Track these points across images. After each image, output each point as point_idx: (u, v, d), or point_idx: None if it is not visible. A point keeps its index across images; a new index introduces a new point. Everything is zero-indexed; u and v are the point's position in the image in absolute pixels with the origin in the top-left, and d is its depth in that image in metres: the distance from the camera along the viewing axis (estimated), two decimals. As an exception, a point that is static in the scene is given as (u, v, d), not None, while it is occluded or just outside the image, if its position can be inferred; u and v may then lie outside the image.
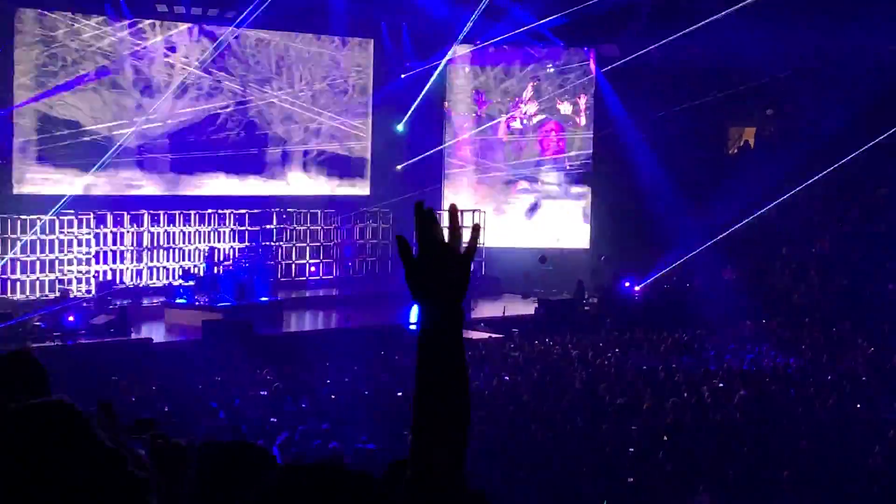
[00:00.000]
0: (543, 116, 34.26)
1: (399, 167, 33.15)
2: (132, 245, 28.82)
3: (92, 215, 27.77)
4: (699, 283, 30.39)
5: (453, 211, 2.30)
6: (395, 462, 3.26)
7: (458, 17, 31.60)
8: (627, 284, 29.93)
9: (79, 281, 27.58)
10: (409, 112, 32.60)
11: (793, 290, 29.47)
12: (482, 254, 31.31)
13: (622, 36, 33.04)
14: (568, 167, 34.29)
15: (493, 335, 24.81)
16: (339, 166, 32.41)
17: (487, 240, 31.71)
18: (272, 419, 15.41)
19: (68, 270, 27.37)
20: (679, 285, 30.69)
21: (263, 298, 27.54)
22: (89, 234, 27.77)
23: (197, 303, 26.47)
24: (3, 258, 26.53)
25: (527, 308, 28.33)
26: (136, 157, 28.84)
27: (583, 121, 34.13)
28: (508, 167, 34.25)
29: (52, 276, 27.00)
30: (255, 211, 30.78)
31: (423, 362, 2.21)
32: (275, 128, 31.17)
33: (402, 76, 33.03)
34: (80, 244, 27.64)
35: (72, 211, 27.36)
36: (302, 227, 31.74)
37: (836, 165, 31.09)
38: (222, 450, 3.63)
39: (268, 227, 31.03)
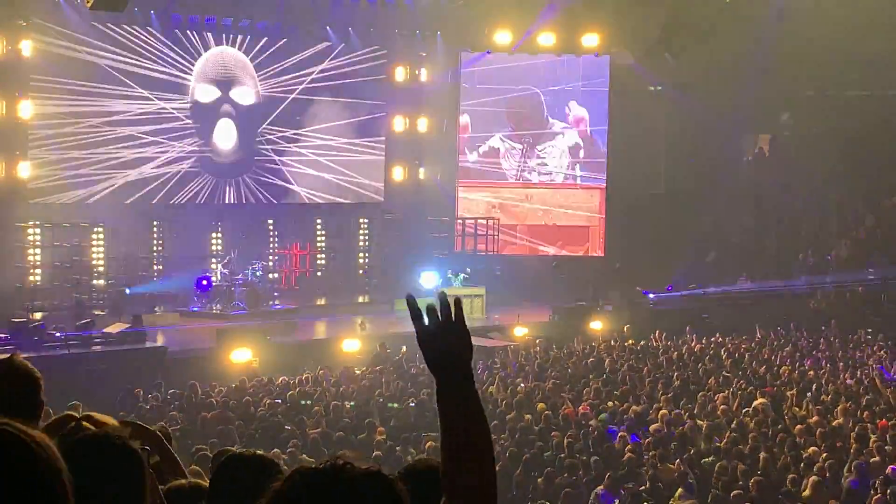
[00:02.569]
0: (559, 123, 34.25)
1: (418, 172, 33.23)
2: (148, 253, 28.91)
3: (106, 224, 27.88)
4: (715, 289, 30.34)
5: (443, 299, 2.54)
6: (404, 469, 3.25)
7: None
8: (638, 289, 29.91)
9: (94, 289, 27.66)
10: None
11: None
12: (497, 261, 31.29)
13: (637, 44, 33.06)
14: (583, 174, 34.24)
15: (508, 343, 24.76)
16: (353, 173, 32.37)
17: (501, 247, 31.73)
18: (286, 426, 15.40)
19: (83, 278, 27.43)
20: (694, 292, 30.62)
21: (277, 305, 27.60)
22: (103, 241, 27.86)
23: (211, 311, 26.53)
24: (19, 266, 26.62)
25: (541, 315, 28.26)
26: (150, 168, 28.94)
27: (598, 127, 34.05)
28: (523, 173, 34.21)
29: (68, 285, 27.05)
30: (269, 218, 30.87)
31: (446, 423, 2.40)
32: (289, 134, 31.19)
33: (416, 84, 33.12)
34: (95, 252, 27.72)
35: (87, 221, 27.47)
36: (317, 234, 31.82)
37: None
38: (234, 460, 3.64)
39: (277, 234, 31.12)
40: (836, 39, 31.66)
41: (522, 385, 18.61)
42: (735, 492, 11.85)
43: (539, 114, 34.17)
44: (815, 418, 15.84)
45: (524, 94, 34.00)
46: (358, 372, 20.62)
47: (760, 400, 16.97)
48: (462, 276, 29.39)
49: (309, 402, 17.36)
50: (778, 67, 33.91)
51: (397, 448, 13.89)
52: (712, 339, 24.25)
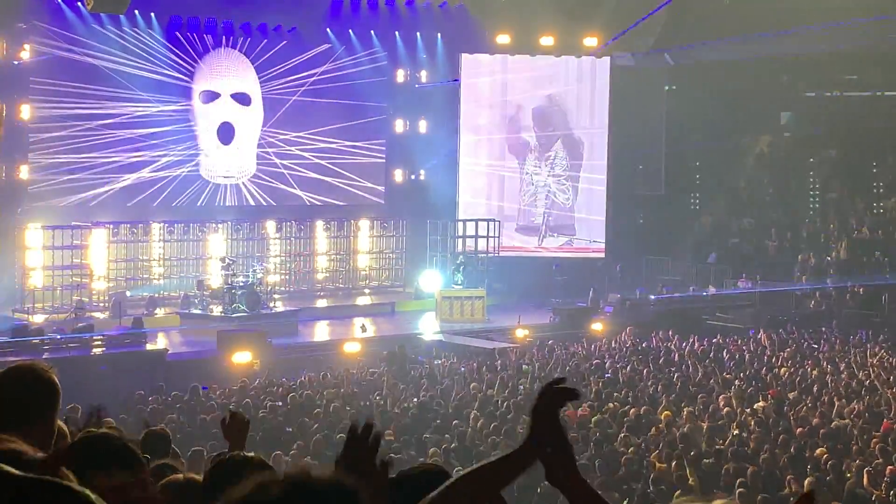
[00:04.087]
0: (555, 129, 34.23)
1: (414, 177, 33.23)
2: (148, 255, 28.91)
3: (110, 227, 27.90)
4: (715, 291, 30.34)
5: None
6: (402, 473, 3.25)
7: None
8: (638, 293, 29.91)
9: (94, 291, 27.65)
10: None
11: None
12: (498, 263, 31.25)
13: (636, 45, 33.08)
14: (583, 174, 34.19)
15: (509, 344, 24.74)
16: (354, 175, 32.33)
17: (501, 249, 31.74)
18: (287, 428, 15.40)
19: (84, 281, 27.42)
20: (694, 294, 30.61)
21: (278, 308, 27.57)
22: (104, 243, 27.86)
23: (212, 313, 26.51)
24: (19, 269, 26.62)
25: (542, 317, 28.22)
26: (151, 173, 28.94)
27: (598, 129, 34.01)
28: (523, 175, 34.16)
29: (68, 287, 27.02)
30: (270, 220, 30.87)
31: None
32: (291, 137, 31.16)
33: (417, 86, 33.13)
34: (95, 254, 27.72)
35: (87, 224, 27.47)
36: (317, 236, 31.83)
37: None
38: (225, 464, 3.64)
39: (278, 237, 31.12)
40: (835, 41, 31.66)
41: (522, 387, 18.58)
42: (737, 493, 11.83)
43: (538, 115, 34.12)
44: (816, 419, 15.82)
45: (524, 97, 33.97)
46: (359, 374, 20.60)
47: (762, 403, 16.95)
48: (461, 268, 29.44)
49: (310, 403, 17.34)
50: (778, 69, 33.92)
51: (399, 450, 13.87)
52: (713, 341, 24.23)
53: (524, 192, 33.99)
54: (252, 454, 3.85)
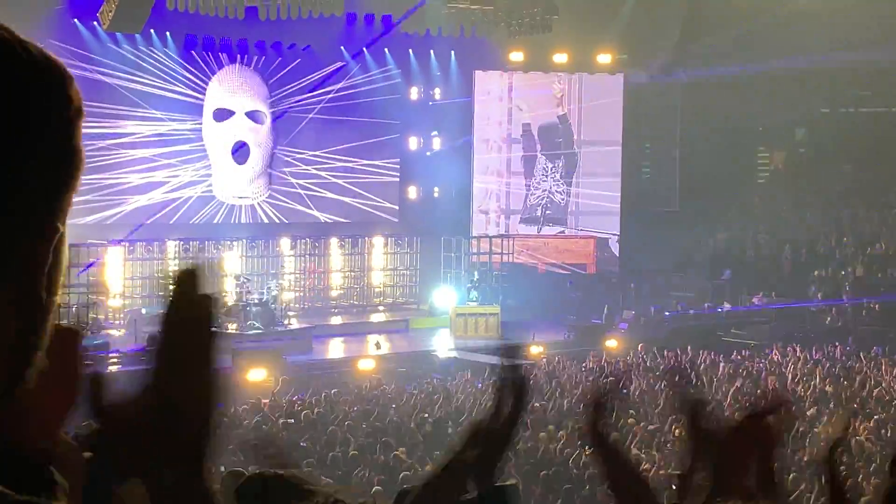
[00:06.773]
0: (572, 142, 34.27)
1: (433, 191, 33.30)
2: (164, 273, 28.94)
3: (126, 245, 28.00)
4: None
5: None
6: (401, 491, 3.25)
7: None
8: (653, 310, 29.84)
9: (110, 309, 27.73)
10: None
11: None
12: (511, 273, 31.27)
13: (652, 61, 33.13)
14: (596, 192, 34.22)
15: (523, 361, 24.69)
16: (368, 192, 32.40)
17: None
18: (302, 443, 15.39)
19: (100, 298, 27.49)
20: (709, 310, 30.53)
21: (293, 325, 27.58)
22: (120, 261, 27.95)
23: (226, 330, 26.54)
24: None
25: (557, 334, 28.17)
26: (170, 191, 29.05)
27: (612, 145, 34.05)
28: (532, 190, 34.22)
29: (85, 305, 27.10)
30: (284, 237, 30.92)
31: None
32: (306, 156, 31.26)
33: (430, 103, 33.21)
34: (111, 272, 27.82)
35: (103, 241, 27.57)
36: (332, 254, 31.87)
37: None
38: (253, 482, 3.63)
39: (293, 254, 31.16)
40: (850, 55, 31.65)
41: (539, 404, 18.55)
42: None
43: (550, 131, 34.17)
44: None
45: (537, 113, 34.02)
46: (374, 391, 20.59)
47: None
48: (477, 284, 29.50)
49: (324, 421, 17.34)
50: (792, 84, 33.90)
51: (415, 466, 13.86)
52: (731, 358, 24.15)
53: (530, 197, 34.18)
54: (282, 472, 3.84)
